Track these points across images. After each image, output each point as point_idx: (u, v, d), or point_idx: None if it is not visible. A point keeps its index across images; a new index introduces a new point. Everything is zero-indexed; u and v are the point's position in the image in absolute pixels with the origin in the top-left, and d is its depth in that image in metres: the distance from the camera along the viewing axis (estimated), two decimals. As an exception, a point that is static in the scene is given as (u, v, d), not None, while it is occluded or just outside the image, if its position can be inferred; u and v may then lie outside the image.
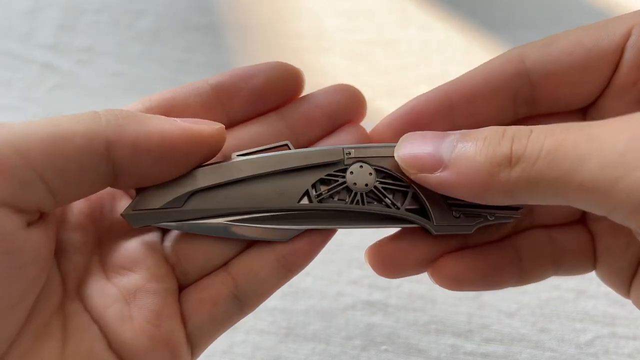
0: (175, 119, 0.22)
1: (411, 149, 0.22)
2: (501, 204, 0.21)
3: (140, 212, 0.22)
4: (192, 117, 0.23)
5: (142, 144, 0.20)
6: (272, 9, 0.54)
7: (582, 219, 0.25)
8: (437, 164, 0.21)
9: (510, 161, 0.19)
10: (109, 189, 0.23)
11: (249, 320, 0.32)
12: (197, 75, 0.48)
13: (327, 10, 0.54)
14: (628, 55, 0.22)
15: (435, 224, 0.23)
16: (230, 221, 0.23)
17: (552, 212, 0.25)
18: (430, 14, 0.54)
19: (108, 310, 0.21)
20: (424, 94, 0.24)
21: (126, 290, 0.22)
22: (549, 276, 0.25)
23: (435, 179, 0.21)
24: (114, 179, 0.21)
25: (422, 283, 0.37)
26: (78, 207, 0.23)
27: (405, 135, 0.23)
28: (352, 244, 0.38)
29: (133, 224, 0.22)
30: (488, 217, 0.23)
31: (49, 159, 0.19)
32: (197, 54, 0.49)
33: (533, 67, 0.23)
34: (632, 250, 0.24)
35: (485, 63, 0.24)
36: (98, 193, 0.22)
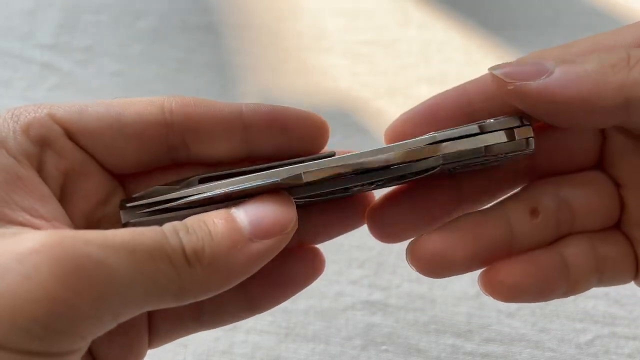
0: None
1: (513, 66, 0.20)
2: (604, 123, 0.19)
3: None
4: (209, 129, 0.21)
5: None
6: (272, 8, 0.54)
7: (618, 225, 0.24)
8: (542, 72, 0.19)
9: (628, 62, 0.18)
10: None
11: (249, 320, 0.32)
12: (197, 75, 0.48)
13: (327, 10, 0.54)
14: None
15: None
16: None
17: (591, 214, 0.24)
18: (430, 14, 0.54)
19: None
20: (443, 91, 0.23)
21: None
22: (593, 287, 0.24)
23: (537, 86, 0.19)
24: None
25: (422, 283, 0.37)
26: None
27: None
28: (352, 244, 0.38)
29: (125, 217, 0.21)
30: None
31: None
32: (197, 53, 0.49)
33: None
34: None
35: None
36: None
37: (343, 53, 0.49)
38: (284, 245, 0.19)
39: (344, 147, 0.25)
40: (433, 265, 0.22)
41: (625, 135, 0.23)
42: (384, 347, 0.34)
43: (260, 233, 0.18)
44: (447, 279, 0.37)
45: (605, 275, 0.23)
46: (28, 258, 0.15)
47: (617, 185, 0.24)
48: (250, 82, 0.48)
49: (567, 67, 0.19)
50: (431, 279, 0.36)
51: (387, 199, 0.24)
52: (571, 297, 0.37)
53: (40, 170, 0.19)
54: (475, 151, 0.20)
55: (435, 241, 0.22)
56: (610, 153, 0.23)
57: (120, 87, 0.46)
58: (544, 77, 0.19)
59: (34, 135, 0.19)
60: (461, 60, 0.51)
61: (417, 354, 0.34)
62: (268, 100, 0.46)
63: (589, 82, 0.18)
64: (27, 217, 0.18)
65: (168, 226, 0.18)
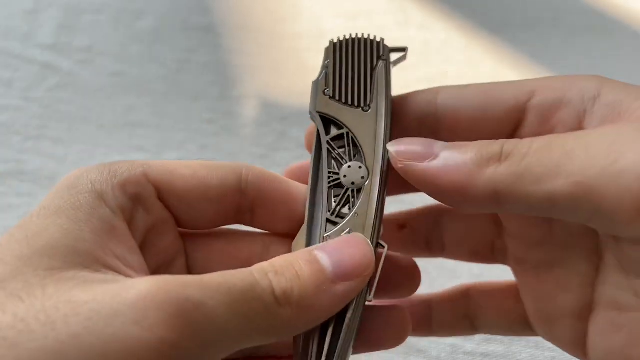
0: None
1: (406, 145, 0.22)
2: (480, 208, 0.21)
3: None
4: None
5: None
6: (272, 9, 0.54)
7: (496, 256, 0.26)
8: (428, 154, 0.21)
9: (500, 157, 0.19)
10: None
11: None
12: (197, 76, 0.48)
13: (327, 11, 0.54)
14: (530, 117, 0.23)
15: None
16: None
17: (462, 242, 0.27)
18: (430, 14, 0.54)
19: None
20: None
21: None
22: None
23: (421, 167, 0.21)
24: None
25: (422, 283, 0.37)
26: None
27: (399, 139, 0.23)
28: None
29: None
30: None
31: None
32: (197, 54, 0.49)
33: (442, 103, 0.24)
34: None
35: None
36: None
37: (343, 53, 0.49)
38: (364, 287, 0.20)
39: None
40: None
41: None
42: (384, 347, 0.34)
43: (342, 275, 0.19)
44: (447, 279, 0.37)
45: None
46: (137, 304, 0.16)
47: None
48: (250, 83, 0.48)
49: (450, 153, 0.21)
50: (431, 278, 0.37)
51: None
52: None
53: (130, 224, 0.21)
54: None
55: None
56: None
57: (120, 87, 0.46)
58: (429, 160, 0.21)
59: (129, 192, 0.21)
60: (461, 60, 0.51)
61: (417, 353, 0.34)
62: (268, 101, 0.46)
63: (465, 172, 0.20)
64: (120, 265, 0.19)
65: (257, 267, 0.19)
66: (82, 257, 0.18)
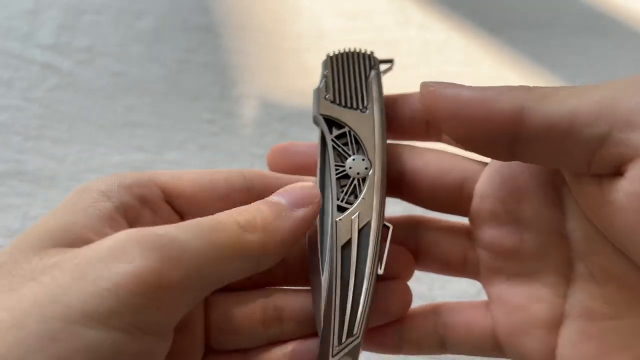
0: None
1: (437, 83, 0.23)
2: (497, 136, 0.21)
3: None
4: None
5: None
6: (272, 9, 0.54)
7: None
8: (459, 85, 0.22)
9: (529, 89, 0.21)
10: None
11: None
12: (197, 76, 0.48)
13: (327, 11, 0.54)
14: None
15: None
16: None
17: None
18: (430, 14, 0.54)
19: None
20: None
21: (173, 348, 0.22)
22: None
23: (451, 89, 0.22)
24: None
25: (421, 282, 0.37)
26: None
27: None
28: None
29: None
30: None
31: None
32: (198, 54, 0.49)
33: None
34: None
35: None
36: None
37: (343, 53, 0.49)
38: (317, 213, 0.23)
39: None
40: None
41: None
42: (383, 347, 0.34)
43: (296, 203, 0.22)
44: (446, 278, 0.37)
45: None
46: (115, 245, 0.18)
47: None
48: (250, 83, 0.48)
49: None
50: (431, 278, 0.37)
51: None
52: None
53: (135, 223, 0.22)
54: None
55: None
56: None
57: (121, 87, 0.46)
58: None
59: (135, 192, 0.22)
60: (461, 60, 0.51)
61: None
62: (268, 101, 0.47)
63: (492, 91, 0.21)
64: None
65: (221, 212, 0.21)
66: (71, 238, 0.19)
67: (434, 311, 0.26)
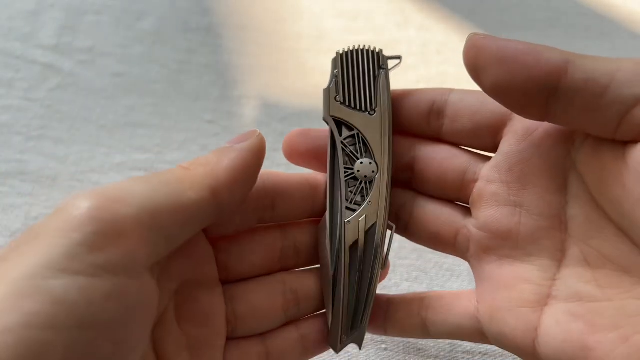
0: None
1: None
2: (538, 87, 0.22)
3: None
4: None
5: (238, 180, 0.23)
6: (272, 10, 0.54)
7: None
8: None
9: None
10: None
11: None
12: (198, 76, 0.48)
13: (327, 12, 0.54)
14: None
15: None
16: None
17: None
18: (430, 15, 0.54)
19: (177, 358, 0.23)
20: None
21: (195, 340, 0.24)
22: None
23: (498, 39, 0.23)
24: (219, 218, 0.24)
25: (421, 282, 0.37)
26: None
27: None
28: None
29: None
30: None
31: (173, 219, 0.21)
32: (198, 55, 0.50)
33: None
34: None
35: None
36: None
37: (343, 54, 0.49)
38: (261, 144, 0.24)
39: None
40: None
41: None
42: (383, 346, 0.34)
43: (235, 140, 0.24)
44: (446, 278, 0.37)
45: None
46: (63, 203, 0.19)
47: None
48: (250, 83, 0.48)
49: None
50: (430, 278, 0.37)
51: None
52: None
53: None
54: None
55: None
56: None
57: (122, 87, 0.47)
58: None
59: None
60: (460, 61, 0.51)
61: (416, 352, 0.34)
62: (268, 101, 0.47)
63: (540, 47, 0.22)
64: None
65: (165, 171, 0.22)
66: None
67: (419, 297, 0.27)
